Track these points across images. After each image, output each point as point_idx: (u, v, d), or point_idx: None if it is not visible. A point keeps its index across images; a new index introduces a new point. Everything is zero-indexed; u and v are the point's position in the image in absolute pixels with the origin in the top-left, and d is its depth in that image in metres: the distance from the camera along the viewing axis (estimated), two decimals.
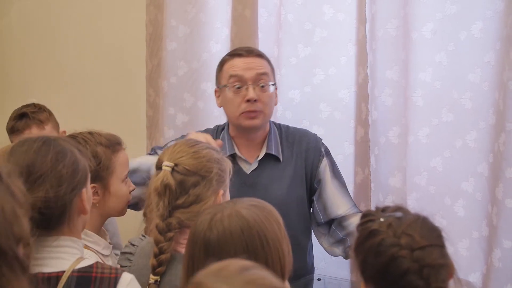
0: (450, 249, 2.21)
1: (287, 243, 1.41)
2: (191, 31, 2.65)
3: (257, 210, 1.39)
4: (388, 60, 2.32)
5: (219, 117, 2.53)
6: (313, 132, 2.36)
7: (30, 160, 1.43)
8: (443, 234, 1.39)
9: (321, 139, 2.31)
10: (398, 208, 1.42)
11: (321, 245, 2.30)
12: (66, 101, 3.15)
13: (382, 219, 1.37)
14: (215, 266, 1.07)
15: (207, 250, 1.33)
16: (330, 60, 2.47)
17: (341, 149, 2.40)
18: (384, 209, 1.42)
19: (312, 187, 2.27)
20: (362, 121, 2.41)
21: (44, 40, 3.27)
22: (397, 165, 2.32)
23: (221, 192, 1.71)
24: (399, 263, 1.30)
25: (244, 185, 2.20)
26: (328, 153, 2.29)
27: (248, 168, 2.24)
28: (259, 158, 2.24)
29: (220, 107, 2.29)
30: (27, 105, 2.61)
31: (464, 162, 2.25)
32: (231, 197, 2.15)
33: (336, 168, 2.29)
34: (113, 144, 1.87)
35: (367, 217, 1.41)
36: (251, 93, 2.16)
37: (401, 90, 2.31)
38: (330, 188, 2.25)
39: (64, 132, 2.53)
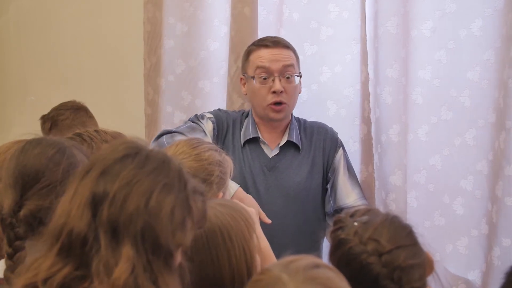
0: (449, 247, 2.25)
1: (258, 244, 1.40)
2: (188, 29, 2.64)
3: (222, 208, 1.38)
4: (389, 58, 2.32)
5: None
6: None
7: (41, 166, 1.39)
8: (414, 230, 1.39)
9: (337, 132, 2.38)
10: (367, 211, 1.42)
11: (327, 238, 2.32)
12: (64, 99, 3.12)
13: (347, 227, 1.36)
14: (288, 257, 1.12)
15: None
16: (336, 58, 2.47)
17: (346, 147, 2.40)
18: (352, 214, 1.41)
19: (326, 177, 2.33)
20: (365, 119, 2.42)
21: (43, 38, 3.26)
22: (398, 163, 2.32)
23: (221, 194, 1.71)
24: (369, 269, 1.31)
25: (265, 167, 2.28)
26: (342, 145, 2.36)
27: (270, 153, 2.31)
28: (281, 144, 2.30)
29: (245, 94, 2.35)
30: (66, 107, 2.56)
31: (463, 160, 2.26)
32: (253, 178, 2.24)
33: (349, 161, 2.36)
34: None
35: (337, 224, 1.41)
36: (277, 85, 2.23)
37: (401, 88, 2.31)
38: (342, 178, 2.31)
39: None
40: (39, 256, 1.12)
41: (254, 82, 2.26)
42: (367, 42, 2.37)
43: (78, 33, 3.18)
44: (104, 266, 1.04)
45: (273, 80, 2.24)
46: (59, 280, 1.06)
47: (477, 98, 2.23)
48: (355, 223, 1.37)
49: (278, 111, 2.25)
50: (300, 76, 2.31)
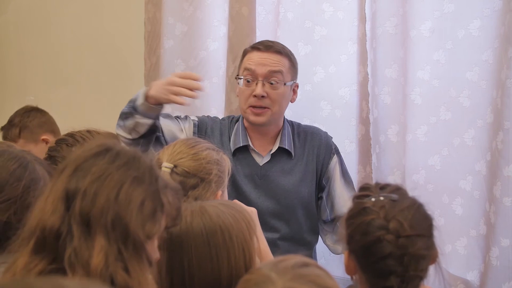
0: (447, 247, 2.25)
1: (266, 245, 1.41)
2: (188, 29, 2.65)
3: (224, 207, 1.40)
4: (387, 58, 2.32)
5: (216, 115, 2.52)
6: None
7: (2, 180, 1.38)
8: (434, 223, 1.40)
9: (331, 137, 2.33)
10: (396, 189, 1.43)
11: (325, 243, 2.32)
12: (64, 99, 3.15)
13: (375, 198, 1.38)
14: (278, 257, 1.15)
15: (169, 245, 1.34)
16: (330, 58, 2.46)
17: (342, 147, 2.39)
18: (383, 187, 1.43)
19: (320, 184, 2.28)
20: (363, 119, 2.41)
21: (42, 38, 3.26)
22: (396, 163, 2.32)
23: (220, 193, 1.71)
24: (382, 246, 1.33)
25: (256, 176, 2.23)
26: (337, 151, 2.32)
27: (260, 160, 2.26)
28: (272, 151, 2.25)
29: (237, 96, 2.31)
30: (26, 110, 2.59)
31: (462, 160, 2.26)
32: (244, 186, 2.21)
33: (345, 166, 2.31)
34: None
35: (364, 191, 1.43)
36: (258, 89, 2.17)
37: (399, 88, 2.31)
38: (338, 186, 2.27)
39: (46, 139, 2.52)
40: (16, 257, 1.15)
41: (240, 83, 2.22)
42: (366, 42, 2.37)
43: (78, 32, 3.19)
44: (77, 256, 1.08)
45: (256, 84, 2.18)
46: (35, 275, 1.09)
47: (476, 98, 2.22)
48: (381, 198, 1.37)
49: (257, 114, 2.18)
50: (293, 84, 2.25)
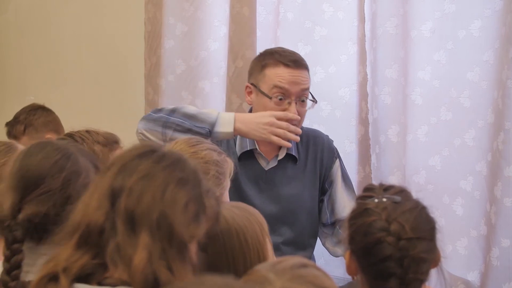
0: (448, 247, 2.25)
1: (271, 249, 1.42)
2: (189, 29, 2.65)
3: (237, 210, 1.40)
4: (388, 59, 2.32)
5: None
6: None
7: (44, 171, 1.37)
8: (436, 226, 1.40)
9: (333, 140, 2.33)
10: (400, 191, 1.42)
11: (324, 245, 2.32)
12: (64, 99, 3.14)
13: (378, 200, 1.38)
14: (277, 259, 1.16)
15: None
16: (330, 58, 2.46)
17: (342, 148, 2.40)
18: (386, 188, 1.42)
19: (323, 187, 2.29)
20: (363, 119, 2.41)
21: (42, 38, 3.26)
22: (397, 163, 2.32)
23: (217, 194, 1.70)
24: (383, 248, 1.32)
25: (260, 180, 2.23)
26: (339, 155, 2.32)
27: (266, 165, 2.25)
28: (280, 157, 2.24)
29: (250, 104, 2.26)
30: (33, 108, 2.60)
31: (463, 160, 2.26)
32: (248, 191, 2.20)
33: (345, 170, 2.31)
34: (111, 143, 1.86)
35: (368, 191, 1.42)
36: (294, 110, 2.14)
37: (400, 89, 2.31)
38: (339, 189, 2.27)
39: (49, 139, 2.51)
40: (59, 249, 1.16)
41: (268, 101, 2.15)
42: (365, 42, 2.37)
43: (78, 32, 3.19)
44: (120, 252, 1.09)
45: (289, 103, 2.14)
46: (77, 269, 1.11)
47: (477, 98, 2.23)
48: (384, 199, 1.37)
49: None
50: (314, 102, 2.22)
